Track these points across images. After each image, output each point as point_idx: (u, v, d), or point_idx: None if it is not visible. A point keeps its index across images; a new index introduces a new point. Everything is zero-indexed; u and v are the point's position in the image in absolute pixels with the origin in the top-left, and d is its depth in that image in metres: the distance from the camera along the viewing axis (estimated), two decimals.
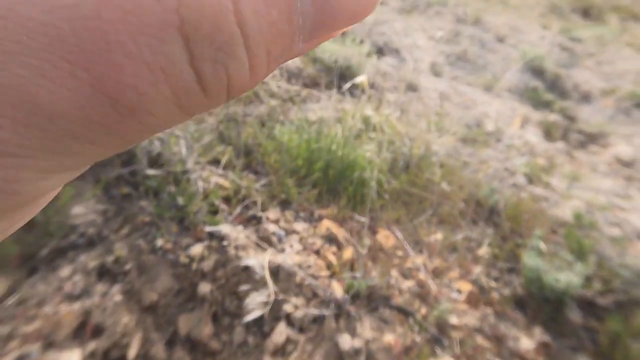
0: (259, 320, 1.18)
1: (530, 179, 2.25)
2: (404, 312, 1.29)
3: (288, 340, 1.15)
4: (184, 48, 0.13)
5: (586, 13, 10.14)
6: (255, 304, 1.10)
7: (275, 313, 1.18)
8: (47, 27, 0.12)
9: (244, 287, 1.13)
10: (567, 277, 1.38)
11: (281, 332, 1.14)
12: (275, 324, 1.15)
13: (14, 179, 0.13)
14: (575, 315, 1.36)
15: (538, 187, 2.19)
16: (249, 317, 1.09)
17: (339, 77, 2.64)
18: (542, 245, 1.52)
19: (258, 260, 1.18)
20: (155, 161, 1.30)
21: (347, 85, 2.09)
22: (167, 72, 0.13)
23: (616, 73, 5.25)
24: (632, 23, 10.36)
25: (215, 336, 1.13)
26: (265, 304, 1.12)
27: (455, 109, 3.21)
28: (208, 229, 1.21)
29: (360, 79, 1.91)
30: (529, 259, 1.45)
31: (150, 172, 1.24)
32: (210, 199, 1.30)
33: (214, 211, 1.31)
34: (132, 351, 1.03)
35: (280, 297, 1.15)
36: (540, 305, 1.42)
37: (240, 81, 0.15)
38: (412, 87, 3.38)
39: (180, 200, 1.21)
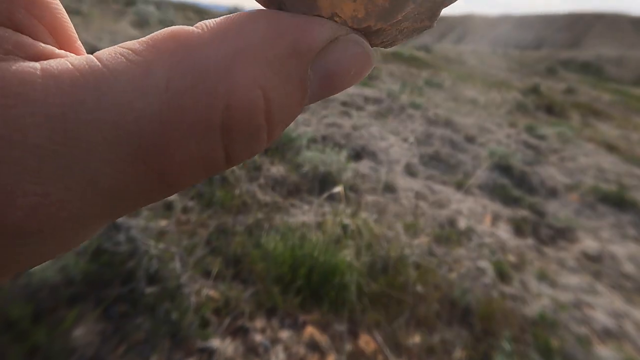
0: None
1: (501, 277, 2.39)
2: None
3: None
4: (221, 138, 0.17)
5: (550, 110, 10.96)
6: None
7: None
8: (119, 129, 0.15)
9: None
10: None
11: None
12: None
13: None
14: None
15: (508, 286, 2.32)
16: None
17: (320, 183, 2.85)
18: (512, 347, 1.62)
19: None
20: (153, 278, 1.42)
21: (325, 195, 2.29)
22: (204, 158, 0.17)
23: (579, 168, 5.64)
24: (592, 118, 11.17)
25: None
26: None
27: (430, 208, 3.42)
28: (200, 344, 1.30)
29: (337, 189, 2.10)
30: None
31: (148, 290, 1.35)
32: (201, 312, 1.41)
33: (205, 324, 1.41)
34: None
35: None
36: None
37: (258, 152, 0.19)
38: (389, 188, 3.61)
39: (174, 315, 1.32)
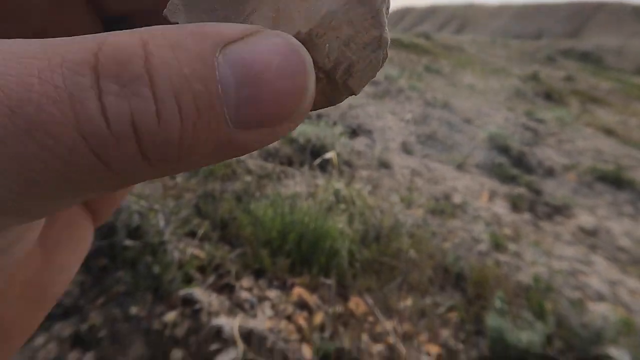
0: None
1: (496, 247, 2.36)
2: None
3: None
4: (94, 83, 0.14)
5: (548, 97, 10.90)
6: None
7: None
8: None
9: (214, 347, 1.17)
10: (528, 336, 1.45)
11: None
12: None
13: None
14: None
15: (503, 255, 2.29)
16: None
17: (313, 155, 2.81)
18: (504, 306, 1.59)
19: (229, 322, 1.23)
20: (134, 234, 1.38)
21: (318, 161, 2.25)
22: (73, 97, 0.14)
23: (577, 150, 5.60)
24: (590, 105, 11.11)
25: None
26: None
27: (425, 184, 3.39)
28: (182, 292, 1.27)
29: (330, 154, 2.06)
30: (492, 320, 1.52)
31: (128, 242, 1.31)
32: (185, 269, 1.37)
33: (188, 280, 1.38)
34: None
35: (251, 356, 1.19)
36: None
37: (145, 121, 0.15)
38: (384, 165, 3.57)
39: (156, 270, 1.28)
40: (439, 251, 2.19)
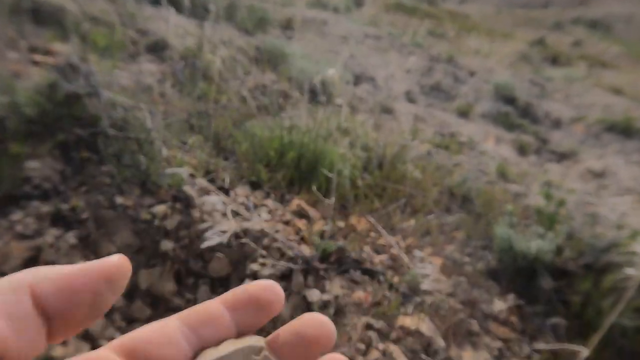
0: (224, 280, 1.14)
1: (503, 177, 2.27)
2: (375, 274, 1.25)
3: None
4: None
5: (555, 61, 10.63)
6: (215, 233, 1.07)
7: (241, 273, 1.14)
8: None
9: (204, 226, 1.10)
10: (538, 245, 1.37)
11: None
12: (241, 282, 1.10)
13: None
14: (546, 282, 1.33)
15: (511, 185, 2.21)
16: (208, 244, 1.05)
17: (311, 92, 2.69)
18: (513, 219, 1.51)
19: (220, 199, 1.15)
20: (118, 127, 1.29)
21: (318, 78, 2.13)
22: None
23: (584, 105, 5.46)
24: (599, 69, 10.85)
25: (178, 294, 1.08)
26: (225, 232, 1.08)
27: (429, 129, 3.28)
28: (173, 191, 1.19)
29: (331, 72, 1.95)
30: (500, 230, 1.44)
31: (112, 132, 1.22)
32: (175, 165, 1.29)
33: (178, 181, 1.29)
34: None
35: (247, 249, 1.12)
36: (513, 275, 1.40)
37: None
38: (387, 110, 3.46)
39: (143, 163, 1.20)
40: (444, 179, 2.10)
